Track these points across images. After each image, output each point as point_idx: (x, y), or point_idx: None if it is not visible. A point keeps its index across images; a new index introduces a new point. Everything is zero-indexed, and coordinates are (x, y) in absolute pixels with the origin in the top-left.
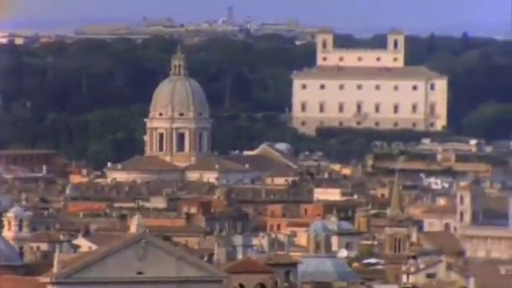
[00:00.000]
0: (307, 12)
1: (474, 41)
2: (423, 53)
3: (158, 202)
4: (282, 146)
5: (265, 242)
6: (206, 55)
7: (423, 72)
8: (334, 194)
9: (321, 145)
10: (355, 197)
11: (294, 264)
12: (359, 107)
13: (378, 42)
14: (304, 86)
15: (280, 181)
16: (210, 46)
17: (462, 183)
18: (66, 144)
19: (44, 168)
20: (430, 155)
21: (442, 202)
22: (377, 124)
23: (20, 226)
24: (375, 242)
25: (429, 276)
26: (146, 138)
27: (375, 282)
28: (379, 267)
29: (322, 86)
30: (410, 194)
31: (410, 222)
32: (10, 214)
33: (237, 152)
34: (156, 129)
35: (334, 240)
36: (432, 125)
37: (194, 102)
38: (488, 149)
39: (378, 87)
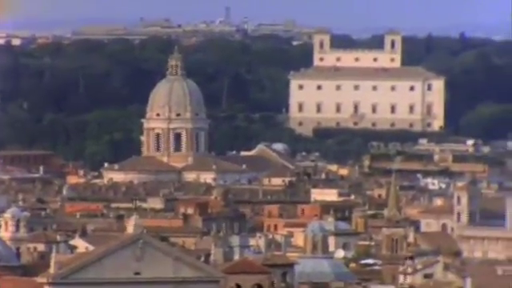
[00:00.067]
0: (304, 12)
1: (472, 41)
2: (421, 53)
3: (155, 203)
4: (279, 146)
5: (262, 242)
6: (203, 56)
7: (420, 72)
8: (331, 195)
9: (318, 145)
10: (352, 197)
11: (291, 264)
12: (356, 108)
13: (375, 43)
14: (301, 87)
15: (277, 181)
16: (207, 46)
17: (459, 184)
18: (63, 144)
19: (41, 168)
20: (427, 156)
21: (439, 202)
22: (374, 124)
23: (17, 227)
24: (372, 243)
25: (426, 276)
26: (143, 138)
27: (372, 282)
28: (376, 268)
29: (319, 87)
30: (407, 195)
31: (407, 223)
32: (7, 215)
33: (234, 152)
34: (153, 129)
35: (331, 240)
36: (429, 125)
37: (191, 102)
38: (485, 149)
39: (375, 88)
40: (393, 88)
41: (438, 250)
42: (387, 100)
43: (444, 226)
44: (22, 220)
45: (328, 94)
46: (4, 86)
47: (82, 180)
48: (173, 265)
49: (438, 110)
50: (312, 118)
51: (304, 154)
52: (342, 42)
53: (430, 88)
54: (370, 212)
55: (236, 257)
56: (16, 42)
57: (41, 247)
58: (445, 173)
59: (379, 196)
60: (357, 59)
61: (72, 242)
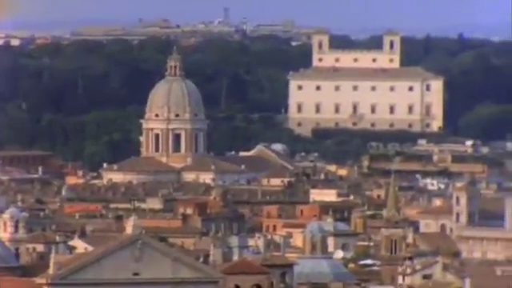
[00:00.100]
0: (303, 13)
1: (470, 42)
2: (419, 54)
3: (154, 203)
4: (278, 146)
5: (261, 242)
6: (201, 56)
7: (419, 73)
8: (330, 195)
9: (317, 146)
10: (351, 198)
11: (290, 265)
12: (355, 108)
13: (374, 43)
14: (300, 87)
15: (276, 182)
16: (205, 46)
17: (458, 184)
18: (62, 145)
19: (40, 169)
20: (425, 156)
21: (437, 202)
22: (373, 125)
23: (16, 227)
24: (371, 243)
25: (425, 277)
26: (142, 138)
27: (371, 283)
28: (375, 268)
29: (318, 87)
30: (406, 195)
31: (406, 223)
32: (6, 215)
33: (233, 153)
34: (152, 130)
35: (330, 241)
36: (428, 126)
37: (189, 102)
38: (484, 150)
39: (373, 88)
40: (392, 88)
41: (437, 251)
42: (386, 100)
43: (443, 227)
44: (21, 220)
45: (327, 94)
46: (3, 87)
47: (80, 180)
48: (172, 265)
49: (437, 110)
50: (311, 119)
51: (303, 154)
52: (340, 43)
53: (428, 88)
54: (368, 212)
55: (235, 257)
56: (15, 42)
57: (40, 248)
58: (444, 173)
59: (378, 196)
60: (356, 60)
61: (71, 243)
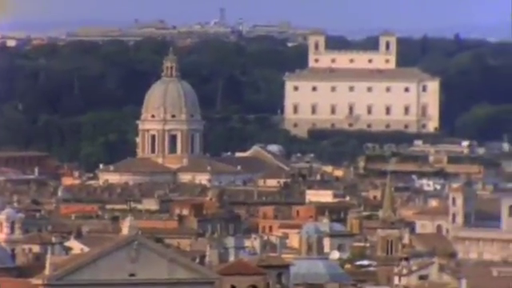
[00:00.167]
0: (299, 14)
1: (467, 42)
2: (416, 54)
3: (150, 204)
4: (273, 147)
5: (257, 243)
6: (197, 57)
7: (415, 74)
8: (326, 196)
9: (313, 146)
10: (347, 198)
11: (286, 266)
12: (351, 109)
13: (370, 44)
14: (296, 88)
15: (272, 182)
16: (201, 47)
17: (454, 185)
18: (58, 146)
19: (36, 170)
20: (422, 157)
21: (434, 203)
22: (369, 126)
23: (12, 228)
24: (367, 244)
25: (421, 278)
26: (138, 139)
27: (367, 283)
28: (371, 269)
29: (314, 88)
30: (402, 196)
31: (402, 224)
32: (2, 216)
33: (229, 154)
34: (148, 131)
35: (326, 242)
36: (424, 126)
37: (186, 103)
38: (480, 150)
39: (369, 89)
40: (388, 89)
41: (433, 252)
42: (382, 101)
43: (439, 228)
44: (17, 221)
45: (323, 95)
46: None
47: (77, 181)
48: (168, 266)
49: (433, 111)
50: (307, 120)
51: (299, 155)
52: (336, 44)
53: (425, 89)
54: (365, 213)
55: (231, 258)
56: (11, 43)
57: (36, 248)
58: (440, 174)
59: (374, 197)
60: (352, 60)
61: (67, 244)
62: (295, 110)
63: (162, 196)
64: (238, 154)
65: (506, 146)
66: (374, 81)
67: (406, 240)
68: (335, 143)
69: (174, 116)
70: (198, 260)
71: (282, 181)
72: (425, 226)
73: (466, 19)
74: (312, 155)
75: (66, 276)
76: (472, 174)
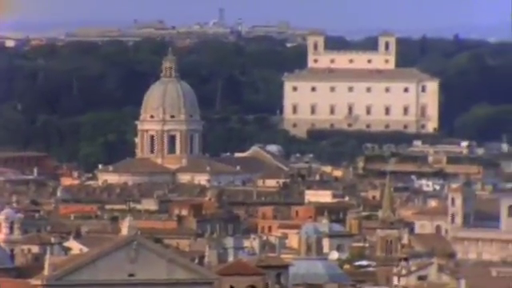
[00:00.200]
0: (298, 14)
1: (466, 43)
2: (415, 55)
3: (150, 204)
4: (273, 147)
5: (256, 244)
6: (197, 57)
7: (414, 74)
8: (325, 196)
9: (312, 147)
10: (346, 199)
11: (286, 266)
12: (350, 109)
13: (369, 44)
14: (295, 88)
15: (271, 183)
16: (201, 48)
17: (454, 185)
18: (57, 146)
19: (35, 170)
20: (421, 157)
21: (433, 203)
22: (368, 126)
23: (11, 229)
24: (366, 244)
25: (420, 278)
26: (137, 140)
27: (366, 284)
28: (370, 269)
29: (313, 88)
30: (401, 196)
31: (402, 224)
32: (1, 217)
33: (228, 154)
34: (147, 131)
35: (325, 242)
36: (423, 127)
37: (185, 104)
38: (479, 151)
39: (369, 89)
40: (387, 90)
41: (433, 252)
42: (381, 102)
43: (438, 228)
44: (16, 222)
45: (322, 95)
46: None
47: (76, 182)
48: (167, 266)
49: (433, 111)
50: (306, 120)
51: (298, 155)
52: (336, 44)
53: (424, 89)
54: (364, 213)
55: (230, 258)
56: (10, 43)
57: (35, 249)
58: (439, 174)
59: (373, 197)
60: (351, 61)
61: (66, 244)
62: (294, 110)
63: (161, 196)
64: (237, 155)
65: (505, 147)
66: (373, 81)
67: (405, 240)
68: (334, 143)
69: (173, 116)
70: (197, 260)
71: (281, 181)
72: (424, 227)
73: (465, 19)
74: (311, 155)
75: (65, 276)
76: (471, 175)
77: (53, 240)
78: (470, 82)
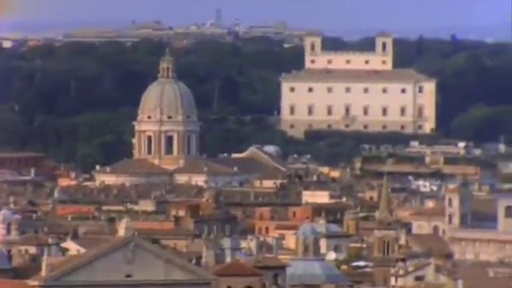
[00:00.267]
0: (295, 14)
1: (463, 43)
2: (412, 55)
3: (147, 205)
4: (270, 148)
5: (253, 244)
6: (194, 58)
7: (411, 75)
8: (322, 197)
9: (309, 147)
10: (344, 199)
11: (283, 267)
12: (348, 110)
13: (367, 45)
14: (292, 89)
15: (268, 183)
16: (198, 48)
17: (451, 186)
18: (55, 147)
19: (32, 171)
20: (418, 158)
21: (430, 204)
22: (365, 127)
23: (8, 229)
24: (364, 245)
25: (417, 279)
26: (135, 140)
27: (364, 284)
28: (368, 270)
29: (311, 89)
30: (398, 197)
31: (399, 225)
32: None
33: (225, 155)
34: (144, 132)
35: (323, 243)
36: (420, 127)
37: (182, 104)
38: (477, 151)
39: (366, 90)
40: (384, 90)
41: (430, 252)
42: (379, 102)
43: (435, 228)
44: (14, 223)
45: (319, 96)
46: None
47: (73, 182)
48: (164, 267)
49: (430, 112)
50: (303, 121)
51: (295, 156)
52: (333, 45)
53: (421, 90)
54: (361, 214)
55: (227, 259)
56: (7, 44)
57: (32, 250)
58: (436, 175)
59: (371, 198)
60: (348, 61)
61: (63, 245)
62: (292, 110)
63: (158, 197)
64: (235, 155)
65: (502, 147)
66: (370, 82)
67: (402, 241)
68: (332, 144)
69: (170, 117)
70: (194, 261)
71: (279, 182)
72: (421, 227)
73: (462, 20)
74: (308, 156)
75: (62, 277)
76: (468, 175)
77: (50, 241)
78: (468, 83)
